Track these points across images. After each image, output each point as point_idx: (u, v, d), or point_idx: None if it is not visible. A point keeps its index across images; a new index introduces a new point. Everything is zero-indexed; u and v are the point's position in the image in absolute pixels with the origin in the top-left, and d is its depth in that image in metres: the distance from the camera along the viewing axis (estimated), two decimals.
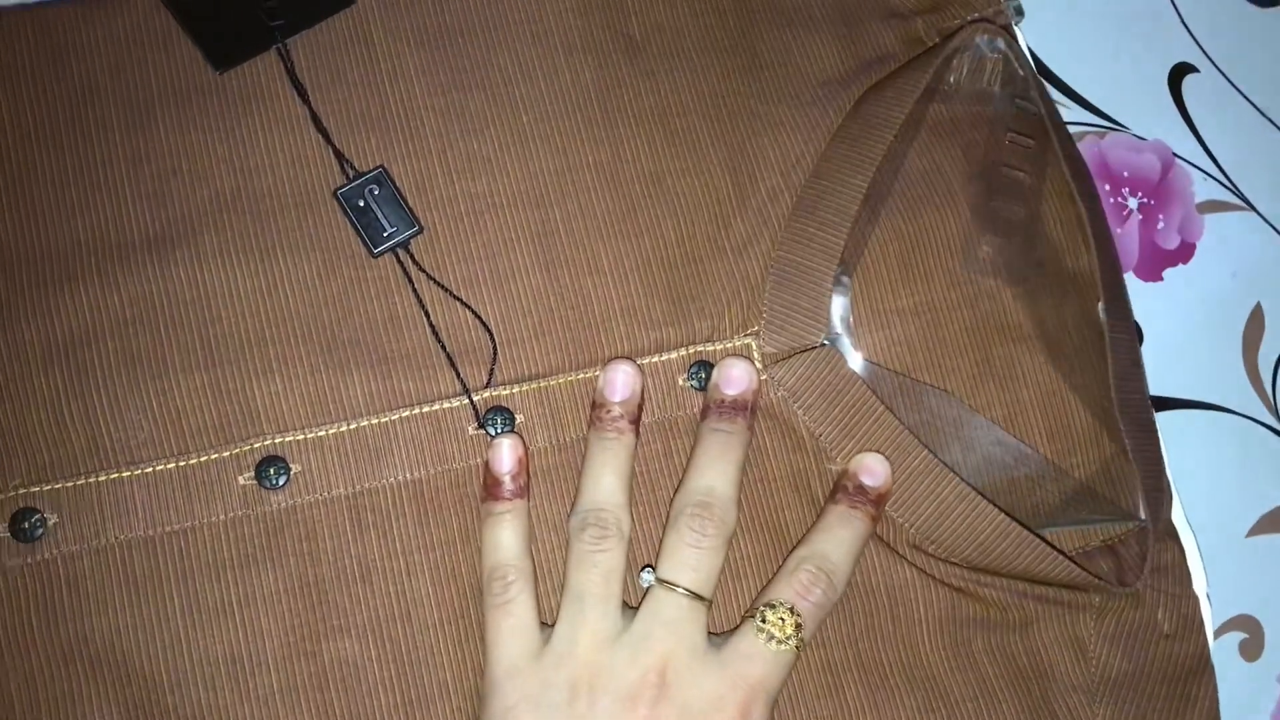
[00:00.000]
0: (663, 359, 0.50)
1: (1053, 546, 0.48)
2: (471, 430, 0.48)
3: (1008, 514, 0.47)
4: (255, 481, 0.46)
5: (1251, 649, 0.61)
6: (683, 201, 0.51)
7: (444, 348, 0.48)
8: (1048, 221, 0.54)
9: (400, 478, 0.47)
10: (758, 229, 0.51)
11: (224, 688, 0.45)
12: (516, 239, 0.50)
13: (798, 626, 0.44)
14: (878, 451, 0.49)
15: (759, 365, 0.50)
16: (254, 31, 0.49)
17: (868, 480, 0.48)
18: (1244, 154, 0.66)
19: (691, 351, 0.50)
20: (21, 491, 0.45)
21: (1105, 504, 0.51)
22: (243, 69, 0.50)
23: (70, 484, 0.46)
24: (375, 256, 0.48)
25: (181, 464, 0.46)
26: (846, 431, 0.49)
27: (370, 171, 0.49)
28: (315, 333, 0.48)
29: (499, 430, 0.48)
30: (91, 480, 0.46)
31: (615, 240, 0.50)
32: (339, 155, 0.49)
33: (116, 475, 0.46)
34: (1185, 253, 0.66)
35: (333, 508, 0.47)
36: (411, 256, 0.49)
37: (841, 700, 0.47)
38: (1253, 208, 0.65)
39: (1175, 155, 0.66)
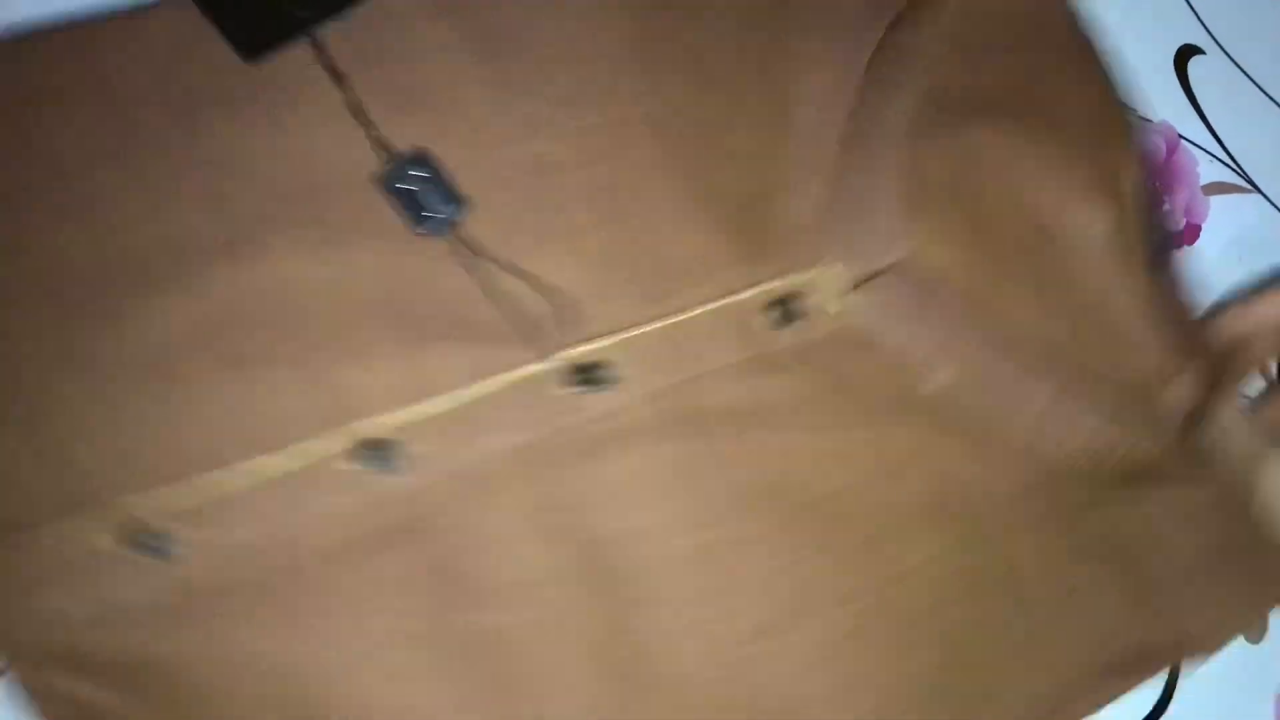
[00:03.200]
0: (738, 299, 0.50)
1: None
2: (561, 390, 0.49)
3: None
4: (365, 466, 0.46)
5: None
6: (733, 144, 0.51)
7: (518, 317, 0.48)
8: None
9: (504, 445, 0.48)
10: (811, 161, 0.51)
11: (369, 672, 0.45)
12: (576, 197, 0.50)
13: None
14: (968, 361, 0.50)
15: (838, 289, 0.50)
16: (284, 20, 0.48)
17: None
18: (1250, 137, 0.68)
19: (765, 289, 0.50)
20: (142, 508, 0.45)
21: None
22: (284, 59, 0.49)
23: (187, 491, 0.45)
24: (425, 236, 0.47)
25: (289, 458, 0.46)
26: (940, 343, 0.50)
27: (409, 153, 0.48)
28: (395, 314, 0.48)
29: (592, 386, 0.48)
30: (208, 484, 0.46)
31: (673, 189, 0.50)
32: (378, 141, 0.48)
33: (231, 477, 0.46)
34: (1191, 234, 0.67)
35: (443, 483, 0.47)
36: (461, 232, 0.48)
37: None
38: (1259, 190, 0.67)
39: (1181, 137, 0.67)
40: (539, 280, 0.49)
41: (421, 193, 0.48)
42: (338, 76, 0.48)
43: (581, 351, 0.48)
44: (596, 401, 0.48)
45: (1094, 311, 0.53)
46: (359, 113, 0.49)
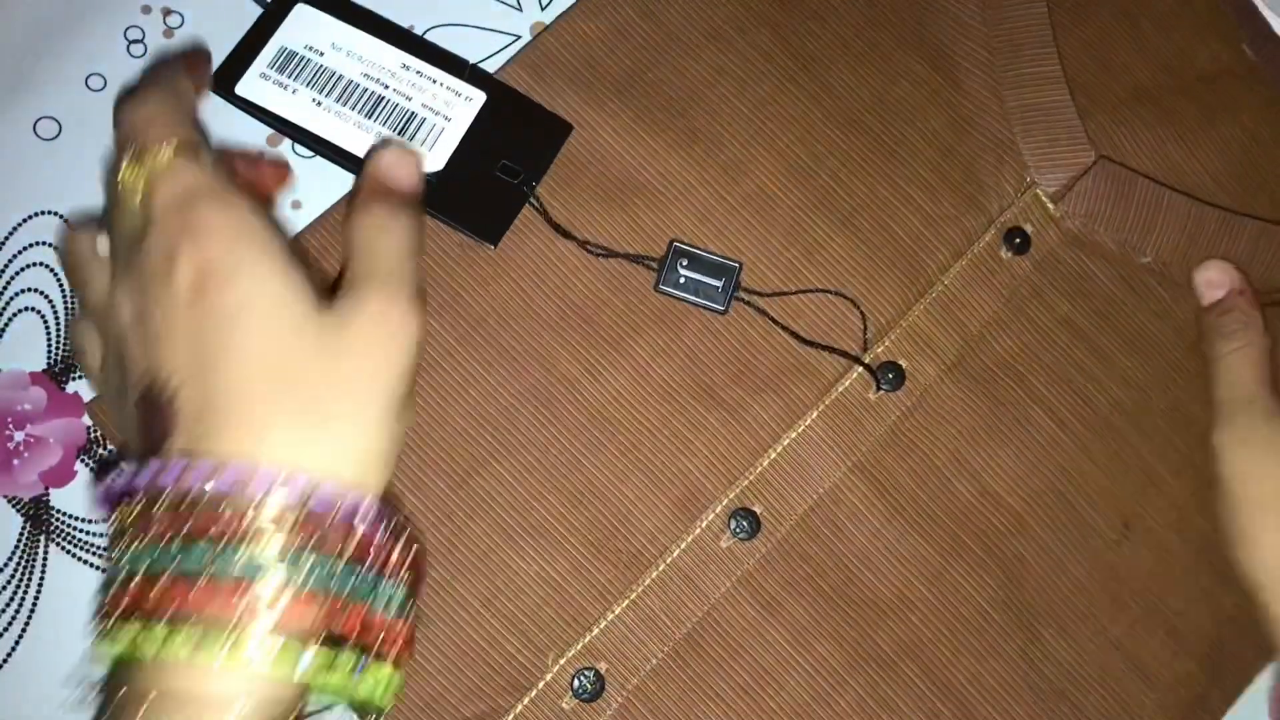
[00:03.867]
0: (983, 244, 0.52)
1: None
2: (872, 395, 0.50)
3: None
4: (735, 539, 0.48)
5: None
6: (911, 108, 0.53)
7: (822, 331, 0.50)
8: None
9: (842, 471, 0.49)
10: (979, 94, 0.53)
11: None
12: (807, 215, 0.51)
13: (134, 154, 0.37)
14: (1179, 227, 0.53)
15: (1050, 207, 0.51)
16: (504, 196, 0.48)
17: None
18: None
19: (1000, 225, 0.52)
20: (569, 655, 0.46)
21: None
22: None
23: (603, 633, 0.47)
24: (727, 312, 0.49)
25: (676, 551, 0.48)
26: (1147, 226, 0.52)
27: (668, 252, 0.49)
28: (699, 390, 0.49)
29: (893, 384, 0.49)
30: (617, 617, 0.47)
31: (882, 169, 0.52)
32: (633, 258, 0.49)
33: (627, 603, 0.47)
34: None
35: (804, 527, 0.49)
36: (748, 290, 0.49)
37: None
38: None
39: None
40: (828, 292, 0.50)
41: (700, 276, 0.49)
42: (564, 231, 0.49)
43: (875, 354, 0.50)
44: (904, 396, 0.50)
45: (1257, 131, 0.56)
46: (599, 250, 0.49)
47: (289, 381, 0.34)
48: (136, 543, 0.32)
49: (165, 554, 0.32)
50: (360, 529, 0.33)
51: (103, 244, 0.39)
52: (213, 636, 0.31)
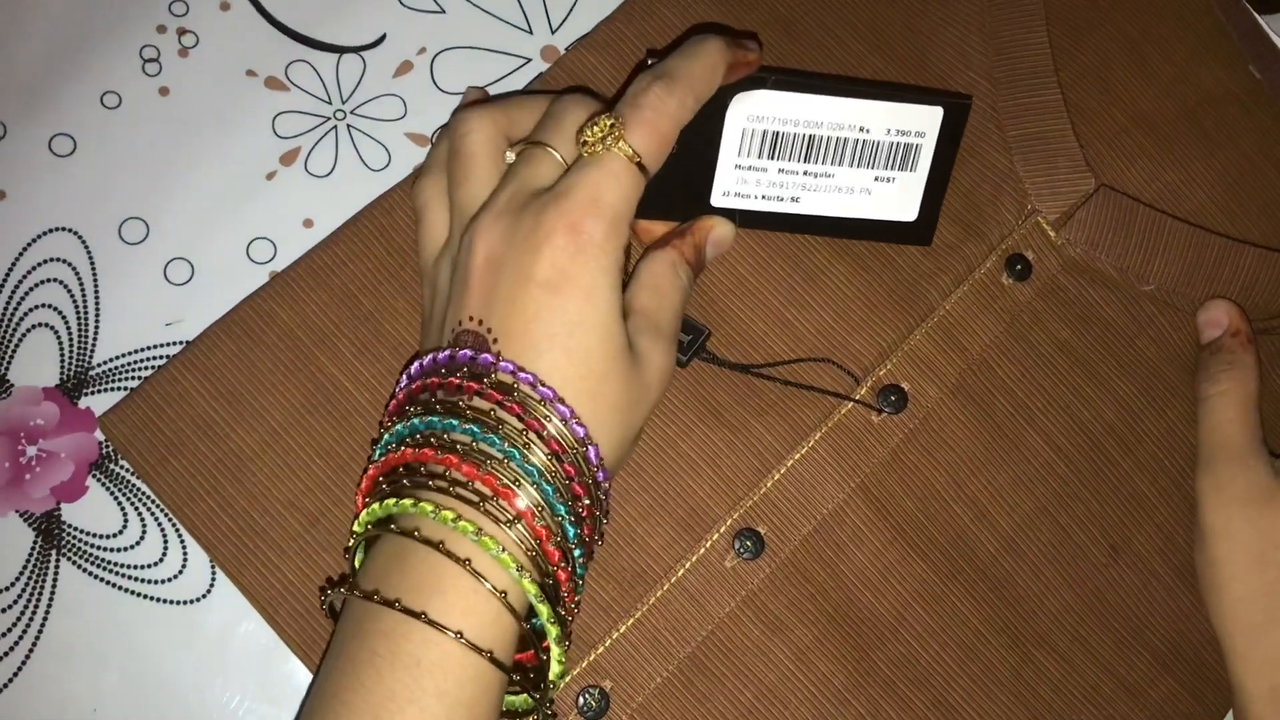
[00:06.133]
0: (985, 270, 0.52)
1: None
2: (875, 418, 0.50)
3: None
4: (739, 559, 0.48)
5: None
6: None
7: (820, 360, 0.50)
8: None
9: (845, 492, 0.50)
10: (979, 123, 0.54)
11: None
12: (808, 240, 0.52)
13: (612, 127, 0.41)
14: (1179, 254, 0.53)
15: (1052, 234, 0.52)
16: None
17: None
18: None
19: (1001, 251, 0.53)
20: (575, 673, 0.46)
21: None
22: None
23: (601, 649, 0.47)
24: (684, 366, 0.49)
25: (681, 570, 0.48)
26: (1148, 253, 0.53)
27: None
28: (704, 411, 0.50)
29: (895, 406, 0.50)
30: (625, 635, 0.47)
31: None
32: None
33: (632, 621, 0.47)
34: None
35: (807, 548, 0.49)
36: (714, 356, 0.50)
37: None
38: None
39: None
40: (798, 361, 0.51)
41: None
42: None
43: (877, 377, 0.51)
44: (907, 419, 0.51)
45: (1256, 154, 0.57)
46: None
47: (600, 392, 0.40)
48: (433, 413, 0.39)
49: (452, 425, 0.38)
50: (597, 481, 0.40)
51: (510, 154, 0.44)
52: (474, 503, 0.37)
